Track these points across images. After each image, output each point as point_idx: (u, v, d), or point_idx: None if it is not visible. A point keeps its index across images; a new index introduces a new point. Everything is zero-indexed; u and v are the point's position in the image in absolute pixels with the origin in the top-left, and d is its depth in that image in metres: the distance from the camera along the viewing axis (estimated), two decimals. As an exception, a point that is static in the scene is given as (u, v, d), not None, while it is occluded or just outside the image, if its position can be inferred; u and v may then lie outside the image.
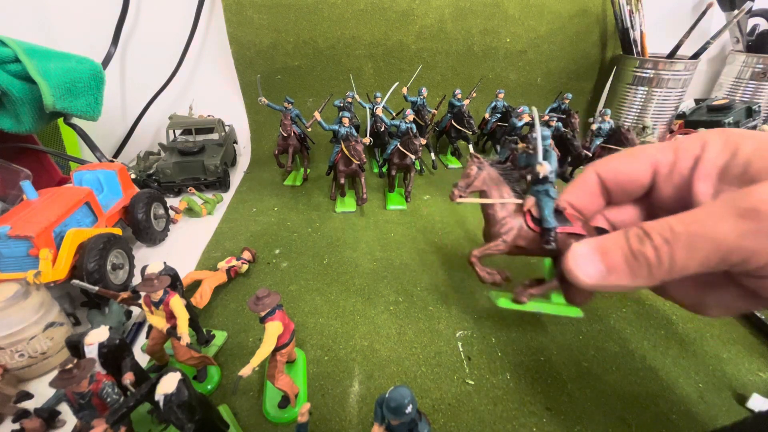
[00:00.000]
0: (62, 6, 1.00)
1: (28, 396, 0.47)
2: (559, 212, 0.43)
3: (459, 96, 1.07)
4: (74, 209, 0.61)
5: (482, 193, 0.46)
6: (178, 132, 1.05)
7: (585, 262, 0.21)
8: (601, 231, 0.40)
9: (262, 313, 0.41)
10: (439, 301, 0.62)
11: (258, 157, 1.19)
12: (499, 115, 1.10)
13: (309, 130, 1.01)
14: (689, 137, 0.26)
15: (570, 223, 0.42)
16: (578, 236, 0.42)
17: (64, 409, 0.45)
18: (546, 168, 0.42)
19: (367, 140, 0.84)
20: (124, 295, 0.49)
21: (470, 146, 1.14)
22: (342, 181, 0.88)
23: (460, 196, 0.45)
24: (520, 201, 0.46)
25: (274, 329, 0.40)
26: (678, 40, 1.07)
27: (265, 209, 0.90)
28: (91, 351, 0.39)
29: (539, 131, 0.43)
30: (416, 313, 0.60)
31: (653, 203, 0.31)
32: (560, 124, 0.96)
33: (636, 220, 0.35)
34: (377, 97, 0.99)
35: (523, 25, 1.18)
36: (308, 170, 1.07)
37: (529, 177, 0.46)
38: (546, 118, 0.86)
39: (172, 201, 0.92)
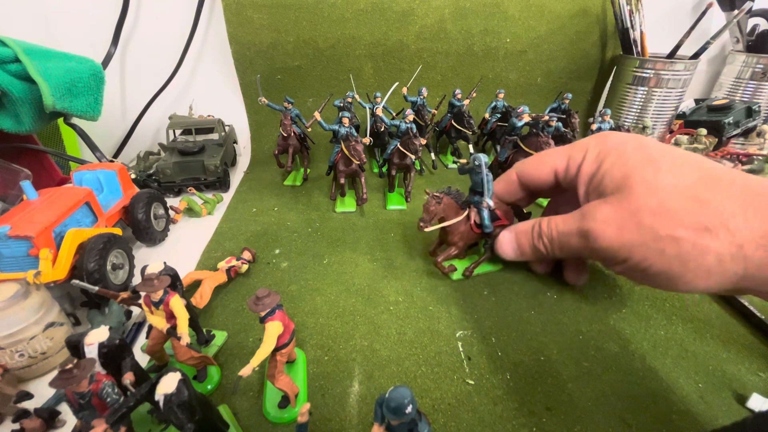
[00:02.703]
0: (62, 6, 1.00)
1: (28, 396, 0.47)
2: (491, 212, 0.60)
3: (459, 96, 1.07)
4: (74, 209, 0.61)
5: (442, 219, 0.62)
6: (178, 132, 1.05)
7: (507, 246, 0.32)
8: (515, 208, 0.62)
9: (262, 313, 0.41)
10: (439, 301, 0.62)
11: (258, 157, 1.19)
12: (499, 115, 1.10)
13: (309, 130, 1.01)
14: (578, 145, 0.29)
15: (498, 218, 0.60)
16: (503, 225, 0.60)
17: (64, 409, 0.45)
18: (489, 203, 0.59)
19: (367, 140, 0.84)
20: (124, 295, 0.49)
21: (470, 146, 1.14)
22: (342, 181, 0.88)
23: (426, 227, 0.60)
24: (465, 213, 0.62)
25: (274, 329, 0.40)
26: (678, 40, 1.07)
27: (265, 209, 0.90)
28: (91, 351, 0.39)
29: (486, 178, 0.56)
30: (416, 313, 0.60)
31: (563, 194, 0.40)
32: (560, 124, 0.96)
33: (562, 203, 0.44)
34: (377, 97, 0.99)
35: (523, 25, 1.18)
36: (308, 170, 1.07)
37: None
38: (546, 118, 0.86)
39: (172, 201, 0.92)
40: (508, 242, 0.30)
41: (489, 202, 0.58)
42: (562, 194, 0.44)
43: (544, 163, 0.30)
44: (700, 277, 0.18)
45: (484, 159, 0.57)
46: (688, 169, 0.20)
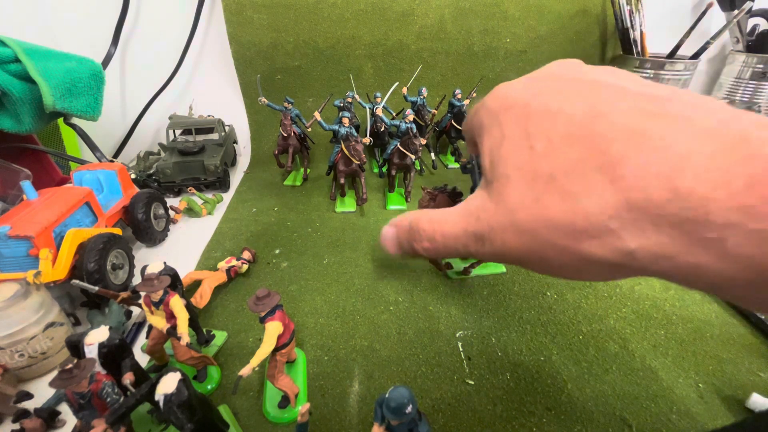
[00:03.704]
0: (62, 6, 1.00)
1: (28, 396, 0.47)
2: None
3: (459, 96, 1.07)
4: (74, 209, 0.61)
5: None
6: (178, 132, 1.05)
7: (389, 243, 0.23)
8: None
9: (262, 313, 0.41)
10: (439, 301, 0.62)
11: (258, 157, 1.19)
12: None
13: (309, 130, 1.01)
14: (489, 113, 0.20)
15: None
16: None
17: (64, 409, 0.45)
18: None
19: (367, 140, 0.84)
20: (124, 295, 0.49)
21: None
22: (342, 181, 0.88)
23: None
24: None
25: (274, 329, 0.40)
26: (678, 40, 1.07)
27: (265, 209, 0.90)
28: (91, 351, 0.39)
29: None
30: (416, 313, 0.60)
31: None
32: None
33: None
34: (377, 97, 0.99)
35: (523, 25, 1.18)
36: (308, 170, 1.07)
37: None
38: None
39: (172, 201, 0.92)
40: (389, 239, 0.22)
41: None
42: None
43: (470, 114, 0.24)
44: (592, 278, 0.16)
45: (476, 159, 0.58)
46: (570, 144, 0.14)
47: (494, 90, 0.20)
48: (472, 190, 0.64)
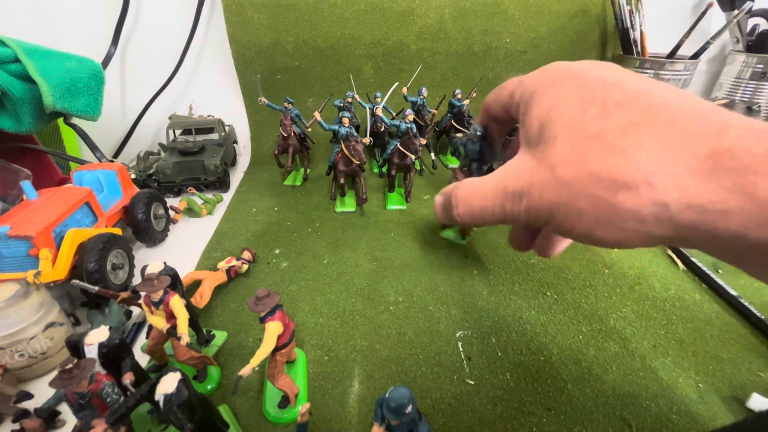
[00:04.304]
0: (62, 6, 1.00)
1: (28, 396, 0.47)
2: None
3: (459, 96, 1.07)
4: (74, 209, 0.61)
5: None
6: (178, 132, 1.05)
7: (438, 211, 0.24)
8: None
9: (262, 313, 0.41)
10: (439, 301, 0.62)
11: (258, 157, 1.19)
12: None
13: (309, 130, 1.01)
14: (542, 82, 0.21)
15: None
16: None
17: (64, 409, 0.45)
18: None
19: (367, 140, 0.84)
20: (124, 295, 0.49)
21: None
22: (342, 181, 0.88)
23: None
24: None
25: (274, 329, 0.40)
26: (678, 40, 1.07)
27: (265, 209, 0.90)
28: (91, 351, 0.39)
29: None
30: (416, 313, 0.60)
31: None
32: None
33: None
34: (377, 97, 0.99)
35: (523, 25, 1.18)
36: (308, 170, 1.07)
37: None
38: None
39: (172, 201, 0.92)
40: (436, 207, 0.24)
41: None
42: None
43: (504, 87, 0.24)
44: (626, 240, 0.16)
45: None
46: (623, 110, 0.16)
47: (548, 65, 0.21)
48: (466, 166, 0.62)
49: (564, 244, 0.25)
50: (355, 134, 0.85)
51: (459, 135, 0.66)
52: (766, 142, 0.13)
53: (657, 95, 0.16)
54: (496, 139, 0.30)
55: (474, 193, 0.21)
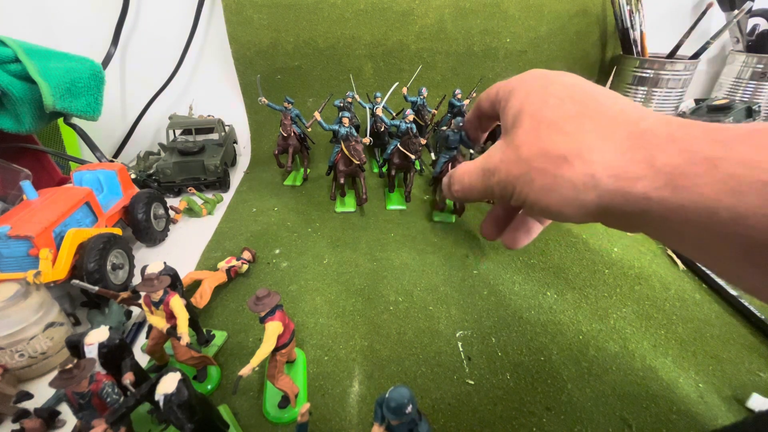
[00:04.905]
0: (62, 6, 1.00)
1: (28, 396, 0.47)
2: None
3: (459, 96, 1.07)
4: (74, 209, 0.61)
5: None
6: (178, 132, 1.05)
7: (443, 188, 0.29)
8: None
9: (262, 313, 0.41)
10: (439, 301, 0.62)
11: (258, 157, 1.19)
12: (499, 115, 1.10)
13: (309, 130, 1.01)
14: (522, 82, 0.25)
15: None
16: None
17: (64, 409, 0.45)
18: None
19: (367, 140, 0.84)
20: (124, 295, 0.49)
21: (471, 151, 1.14)
22: (342, 181, 0.88)
23: None
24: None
25: (274, 329, 0.40)
26: (678, 40, 1.07)
27: (265, 209, 0.90)
28: (91, 351, 0.39)
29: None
30: (416, 313, 0.60)
31: None
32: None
33: None
34: (377, 97, 0.99)
35: (523, 25, 1.18)
36: (308, 170, 1.07)
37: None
38: None
39: (172, 201, 0.92)
40: (443, 186, 0.29)
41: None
42: None
43: (492, 87, 0.28)
44: (564, 206, 0.19)
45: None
46: (573, 104, 0.20)
47: (529, 71, 0.25)
48: (446, 148, 0.79)
49: (529, 236, 0.29)
50: (355, 134, 0.85)
51: (444, 128, 0.73)
52: (668, 126, 0.17)
53: (602, 95, 0.21)
54: (473, 131, 0.35)
55: (464, 172, 0.26)
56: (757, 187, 0.13)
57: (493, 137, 1.14)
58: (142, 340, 0.55)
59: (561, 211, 0.20)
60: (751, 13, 1.16)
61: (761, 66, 1.14)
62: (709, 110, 1.12)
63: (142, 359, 0.50)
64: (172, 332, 0.44)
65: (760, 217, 0.13)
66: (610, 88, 1.25)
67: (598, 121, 0.19)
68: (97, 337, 0.39)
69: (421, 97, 1.07)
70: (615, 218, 0.19)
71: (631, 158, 0.17)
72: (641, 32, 1.11)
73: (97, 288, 0.49)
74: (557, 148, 0.19)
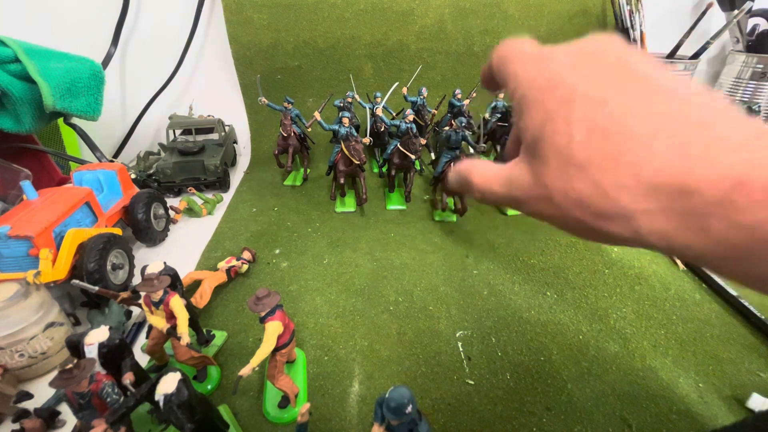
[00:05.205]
0: (62, 6, 1.00)
1: (28, 396, 0.47)
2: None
3: (459, 96, 1.07)
4: (74, 209, 0.61)
5: None
6: (178, 132, 1.05)
7: (450, 184, 0.27)
8: None
9: (262, 313, 0.41)
10: (439, 301, 0.62)
11: (258, 157, 1.19)
12: (499, 115, 1.10)
13: (309, 130, 1.01)
14: (533, 87, 0.22)
15: None
16: None
17: (64, 409, 0.45)
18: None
19: (367, 140, 0.84)
20: (124, 295, 0.49)
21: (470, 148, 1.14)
22: (342, 181, 0.88)
23: None
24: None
25: (274, 329, 0.40)
26: (678, 40, 1.07)
27: (265, 209, 0.90)
28: (91, 351, 0.39)
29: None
30: (416, 313, 0.60)
31: None
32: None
33: None
34: (377, 97, 0.99)
35: (523, 25, 1.18)
36: (308, 170, 1.07)
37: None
38: None
39: (172, 201, 0.92)
40: (451, 181, 0.28)
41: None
42: None
43: (505, 62, 0.25)
44: (601, 242, 0.19)
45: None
46: (601, 140, 0.17)
47: (538, 62, 0.21)
48: (447, 148, 0.82)
49: None
50: (355, 134, 0.85)
51: (445, 128, 0.73)
52: (723, 183, 0.15)
53: (638, 121, 0.17)
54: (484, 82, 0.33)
55: (487, 186, 0.24)
56: None
57: (494, 137, 1.14)
58: (142, 340, 0.55)
59: (602, 242, 0.20)
60: (751, 13, 1.16)
61: (761, 66, 1.14)
62: (709, 110, 1.12)
63: (142, 359, 0.50)
64: (172, 332, 0.44)
65: None
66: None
67: (637, 172, 0.16)
68: (97, 337, 0.39)
69: (421, 97, 1.07)
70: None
71: (682, 225, 0.15)
72: (641, 32, 1.11)
73: (97, 288, 0.49)
74: (594, 204, 0.17)
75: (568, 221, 0.19)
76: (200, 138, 1.04)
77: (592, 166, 0.17)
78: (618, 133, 0.17)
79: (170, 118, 1.04)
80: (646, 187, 0.16)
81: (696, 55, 1.08)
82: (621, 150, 0.17)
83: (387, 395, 0.31)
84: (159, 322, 0.44)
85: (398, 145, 0.87)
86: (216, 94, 1.18)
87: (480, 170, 0.25)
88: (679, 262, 0.71)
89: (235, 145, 1.17)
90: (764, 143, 0.14)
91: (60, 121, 0.83)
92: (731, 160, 0.14)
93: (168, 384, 0.34)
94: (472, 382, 0.49)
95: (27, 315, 0.47)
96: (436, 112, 1.14)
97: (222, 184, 0.98)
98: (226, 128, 1.10)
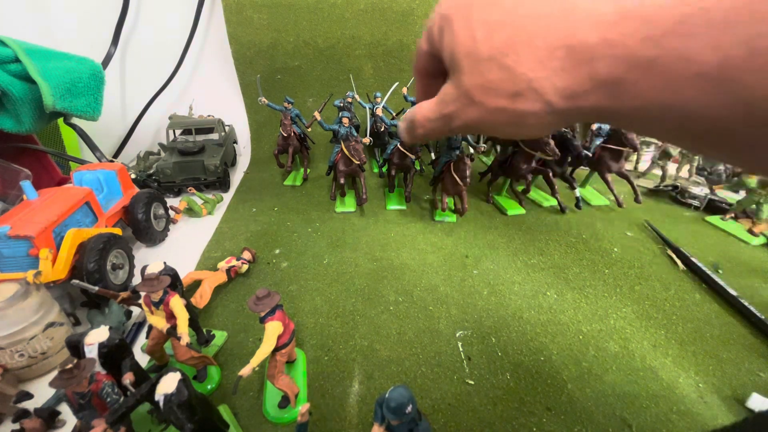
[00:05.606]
0: (62, 6, 1.00)
1: (28, 396, 0.47)
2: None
3: (459, 96, 1.07)
4: (74, 209, 0.61)
5: None
6: (178, 132, 1.05)
7: (402, 134, 0.28)
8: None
9: (262, 313, 0.41)
10: (439, 301, 0.62)
11: (258, 157, 1.19)
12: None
13: (309, 130, 1.01)
14: (442, 17, 0.23)
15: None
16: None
17: (64, 409, 0.45)
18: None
19: (367, 140, 0.84)
20: (124, 295, 0.49)
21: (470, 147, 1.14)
22: (342, 181, 0.88)
23: None
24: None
25: (274, 329, 0.40)
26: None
27: (265, 209, 0.90)
28: (91, 351, 0.39)
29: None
30: (416, 313, 0.60)
31: None
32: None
33: None
34: (377, 97, 0.99)
35: (523, 25, 1.18)
36: (308, 170, 1.07)
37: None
38: None
39: (172, 201, 0.92)
40: (401, 131, 0.30)
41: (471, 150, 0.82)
42: None
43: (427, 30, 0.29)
44: (530, 133, 0.21)
45: None
46: (503, 29, 0.20)
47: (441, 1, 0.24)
48: (447, 147, 0.83)
49: None
50: (355, 134, 0.85)
51: None
52: (600, 30, 0.17)
53: (527, 6, 0.20)
54: (419, 95, 0.35)
55: (425, 116, 0.26)
56: (691, 79, 0.14)
57: (494, 137, 1.14)
58: (142, 340, 0.55)
59: (528, 135, 0.21)
60: None
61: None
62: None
63: (142, 359, 0.50)
64: (172, 332, 0.44)
65: (697, 108, 0.14)
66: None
67: (533, 44, 0.19)
68: (97, 337, 0.39)
69: (421, 97, 1.07)
70: (572, 122, 0.20)
71: (576, 76, 0.18)
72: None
73: (97, 288, 0.49)
74: (506, 87, 0.20)
75: (493, 116, 0.21)
76: (200, 138, 1.04)
77: (497, 55, 0.19)
78: (512, 23, 0.19)
79: (170, 118, 1.04)
80: (544, 56, 0.18)
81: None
82: (517, 33, 0.19)
83: (387, 395, 0.31)
84: (159, 322, 0.44)
85: (398, 145, 0.87)
86: (216, 94, 1.18)
87: (419, 108, 0.27)
88: (679, 262, 0.71)
89: (235, 145, 1.17)
90: None
91: (60, 121, 0.83)
92: (605, 10, 0.17)
93: (168, 384, 0.34)
94: (472, 382, 0.49)
95: (27, 315, 0.47)
96: (436, 112, 1.14)
97: (222, 184, 0.98)
98: (226, 128, 1.10)
